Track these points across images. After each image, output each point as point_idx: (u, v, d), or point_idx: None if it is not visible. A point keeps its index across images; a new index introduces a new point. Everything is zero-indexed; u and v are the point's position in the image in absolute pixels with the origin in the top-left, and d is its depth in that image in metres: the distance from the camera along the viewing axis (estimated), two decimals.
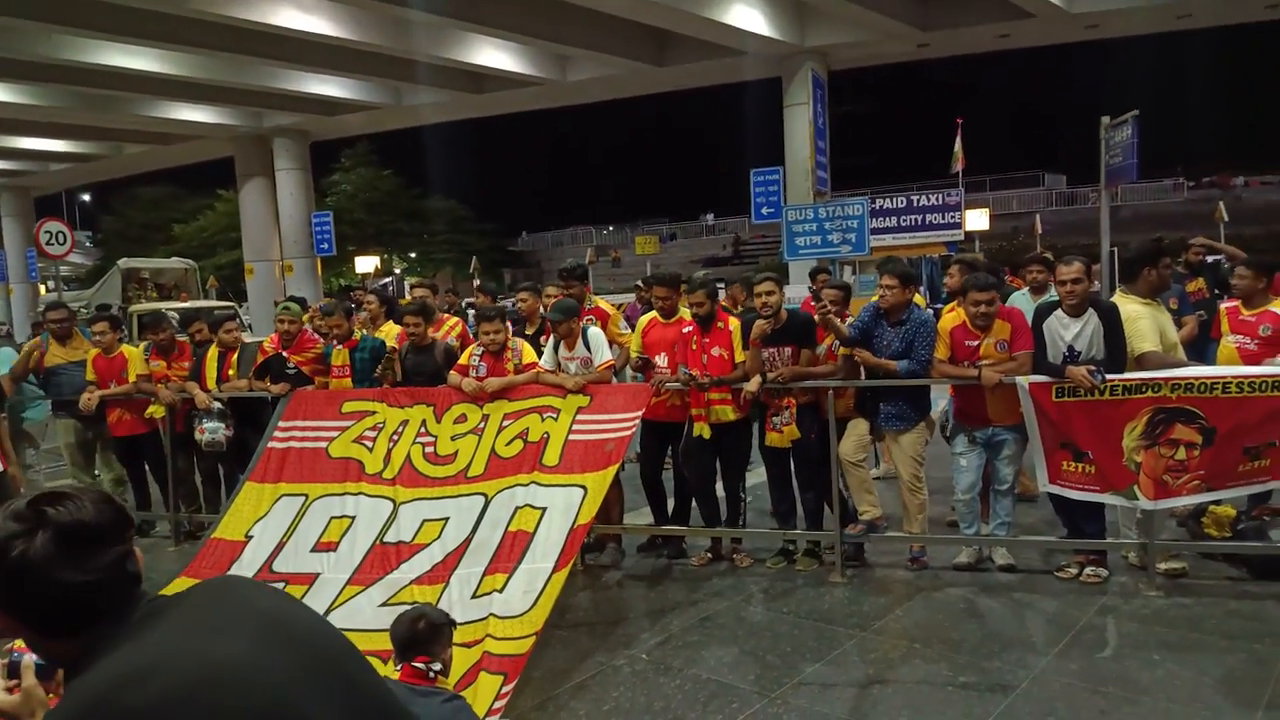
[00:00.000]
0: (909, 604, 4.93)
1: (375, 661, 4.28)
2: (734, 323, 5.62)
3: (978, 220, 22.89)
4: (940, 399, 5.90)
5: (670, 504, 5.99)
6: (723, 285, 7.40)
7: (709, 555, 5.74)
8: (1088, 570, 5.09)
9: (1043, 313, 5.16)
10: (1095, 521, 5.13)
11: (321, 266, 28.47)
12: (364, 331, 6.73)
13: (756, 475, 6.09)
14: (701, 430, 5.49)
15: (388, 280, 40.29)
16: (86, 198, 60.75)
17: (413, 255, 44.21)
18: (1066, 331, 4.96)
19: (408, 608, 2.79)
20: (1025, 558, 5.41)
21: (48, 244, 13.38)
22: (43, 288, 37.85)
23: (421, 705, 2.50)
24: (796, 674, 4.12)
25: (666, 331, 5.73)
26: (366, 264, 32.33)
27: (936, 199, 18.77)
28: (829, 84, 20.72)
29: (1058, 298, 5.12)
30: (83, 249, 56.80)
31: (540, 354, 5.76)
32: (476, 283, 35.70)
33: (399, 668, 2.57)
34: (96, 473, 7.32)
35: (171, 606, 1.39)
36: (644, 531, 6.05)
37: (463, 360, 5.80)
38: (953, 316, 5.36)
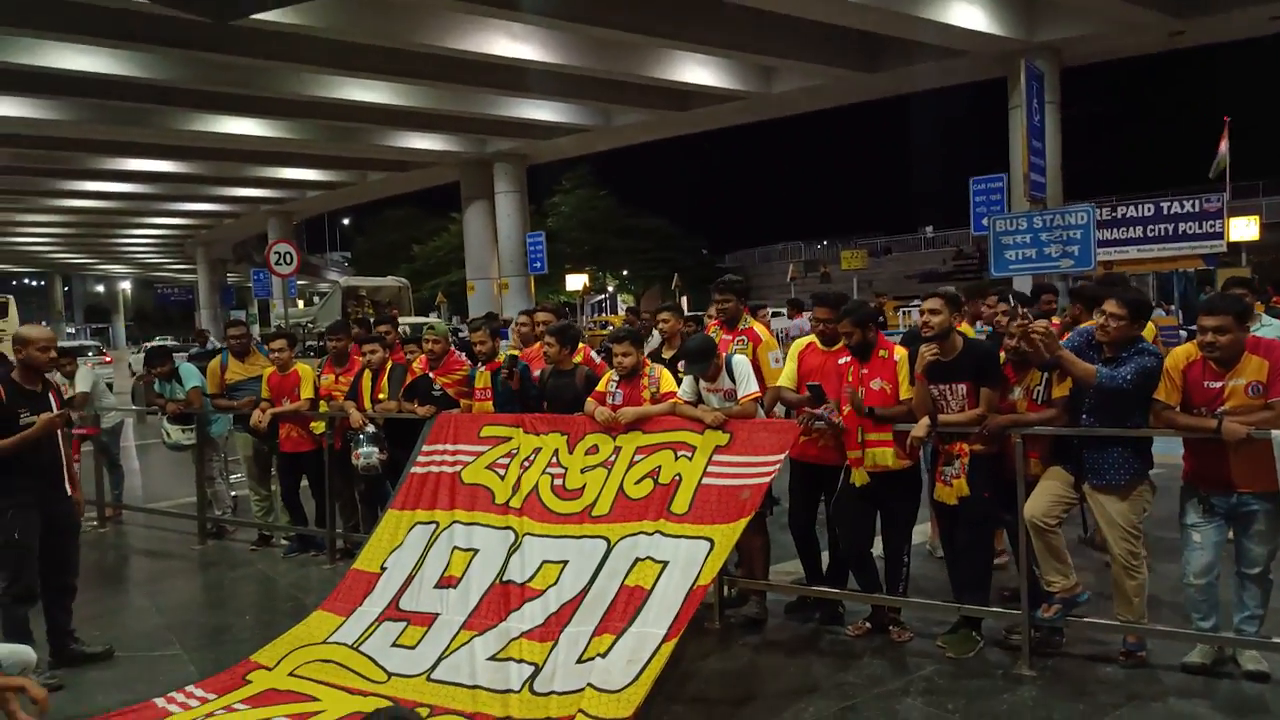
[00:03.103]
0: (1116, 715, 3.88)
1: None
2: (900, 352, 4.78)
3: (1244, 229, 19.81)
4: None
5: (825, 559, 5.22)
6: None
7: (867, 625, 4.90)
8: None
9: None
10: None
11: (535, 285, 29.51)
12: (509, 353, 6.48)
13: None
14: (857, 477, 4.70)
15: (602, 298, 41.28)
16: (346, 221, 67.53)
17: (625, 273, 45.15)
18: None
19: (387, 708, 2.31)
20: None
21: (276, 264, 14.49)
22: (301, 303, 41.90)
23: None
24: None
25: (826, 360, 4.98)
26: (576, 282, 33.16)
27: (1192, 205, 16.36)
28: (1062, 83, 18.73)
29: None
30: (340, 267, 63.05)
31: (680, 381, 5.20)
32: (684, 299, 35.76)
33: None
34: (273, 486, 7.59)
35: None
36: (792, 591, 5.31)
37: (600, 387, 5.37)
38: (1186, 351, 4.24)
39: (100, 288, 79.17)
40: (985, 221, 14.41)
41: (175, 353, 9.03)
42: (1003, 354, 4.56)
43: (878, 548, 4.95)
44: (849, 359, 4.87)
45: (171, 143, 26.11)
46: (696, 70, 20.65)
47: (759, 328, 5.75)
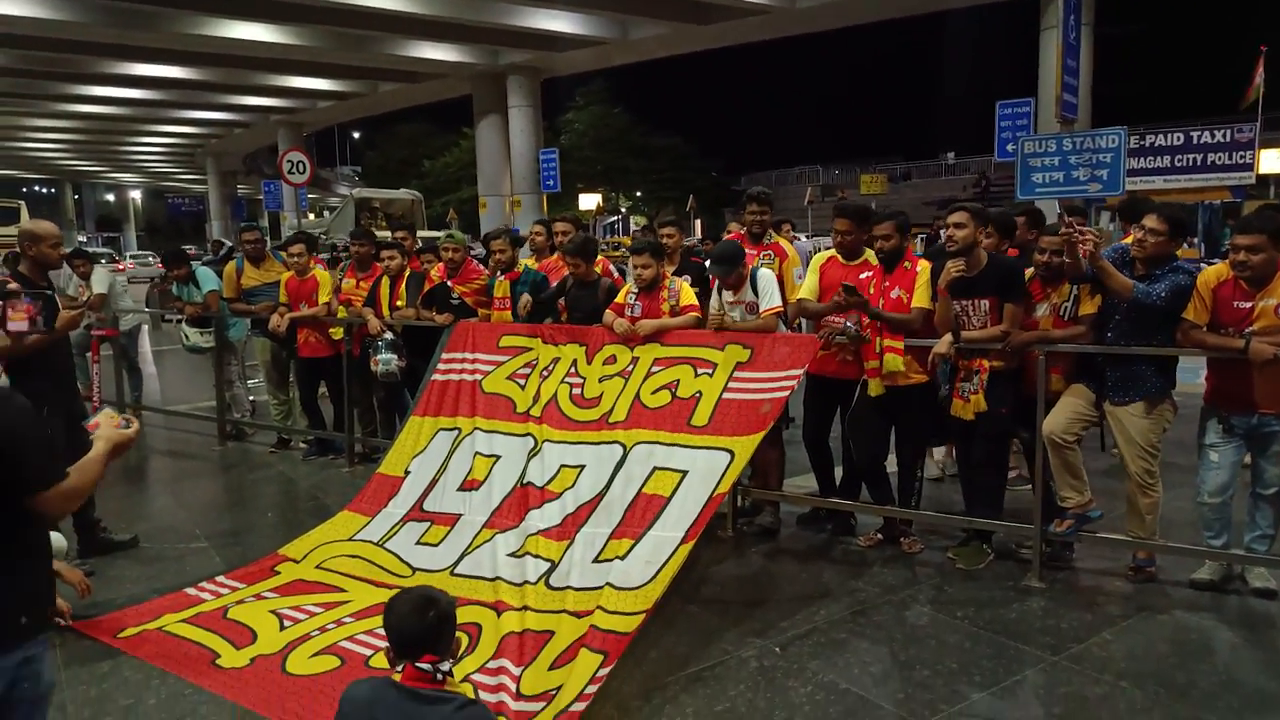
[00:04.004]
0: (1123, 626, 3.96)
1: (489, 614, 4.07)
2: (923, 264, 4.74)
3: (1275, 162, 19.37)
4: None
5: (838, 472, 5.27)
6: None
7: (879, 536, 4.98)
8: None
9: None
10: None
11: (549, 203, 29.19)
12: (527, 264, 6.44)
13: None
14: (873, 387, 4.70)
15: (614, 219, 40.75)
16: (356, 135, 66.66)
17: (638, 194, 44.61)
18: None
19: (414, 587, 2.36)
20: None
21: (289, 173, 14.33)
22: (311, 215, 41.73)
23: (430, 716, 2.09)
24: (958, 700, 3.37)
25: (848, 273, 4.94)
26: (589, 201, 32.79)
27: (1223, 135, 16.02)
28: (1098, 5, 18.08)
29: None
30: (351, 181, 62.44)
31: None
32: (697, 222, 35.39)
33: (399, 669, 2.15)
34: (291, 390, 7.66)
35: None
36: (805, 502, 5.38)
37: (619, 299, 5.36)
38: (1218, 271, 4.19)
39: (111, 197, 78.68)
40: (1010, 148, 14.12)
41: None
42: (1029, 270, 4.52)
43: (891, 464, 5.00)
44: (871, 272, 4.84)
45: (180, 48, 25.55)
46: None
47: (785, 243, 5.71)
